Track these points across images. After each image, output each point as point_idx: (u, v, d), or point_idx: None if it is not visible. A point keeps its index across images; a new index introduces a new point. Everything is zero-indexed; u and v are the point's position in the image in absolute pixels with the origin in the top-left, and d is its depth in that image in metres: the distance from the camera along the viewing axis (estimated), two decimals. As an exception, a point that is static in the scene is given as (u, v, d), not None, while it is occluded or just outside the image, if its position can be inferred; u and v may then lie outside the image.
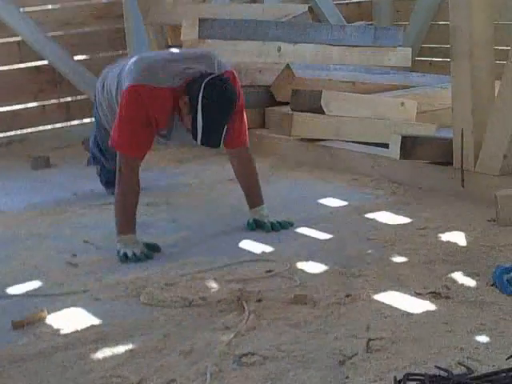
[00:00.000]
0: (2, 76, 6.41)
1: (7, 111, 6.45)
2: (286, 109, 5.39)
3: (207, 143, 3.78)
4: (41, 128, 6.53)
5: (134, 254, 3.73)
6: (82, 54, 6.66)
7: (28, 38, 6.42)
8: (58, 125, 6.61)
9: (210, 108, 3.69)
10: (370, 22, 7.65)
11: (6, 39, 6.42)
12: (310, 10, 7.00)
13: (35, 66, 6.51)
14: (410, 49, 6.45)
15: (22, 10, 6.39)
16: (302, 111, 5.19)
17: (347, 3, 7.74)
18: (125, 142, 3.85)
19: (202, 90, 3.69)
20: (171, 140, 4.13)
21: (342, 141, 5.14)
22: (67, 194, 4.98)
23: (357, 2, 7.82)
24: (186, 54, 4.17)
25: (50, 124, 6.57)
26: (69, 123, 6.65)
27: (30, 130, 6.50)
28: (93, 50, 6.70)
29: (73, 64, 6.56)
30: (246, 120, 4.08)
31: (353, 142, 5.11)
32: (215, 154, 4.73)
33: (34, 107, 6.56)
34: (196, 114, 3.69)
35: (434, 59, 7.31)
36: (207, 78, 3.73)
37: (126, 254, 3.74)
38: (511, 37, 5.44)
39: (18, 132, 6.47)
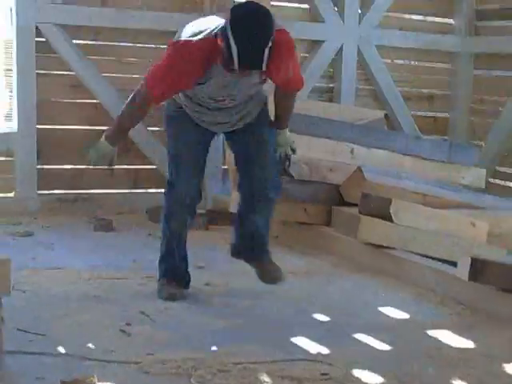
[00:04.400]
0: (76, 135, 6.45)
1: (76, 169, 6.49)
2: (354, 210, 5.33)
3: (245, 63, 3.57)
4: (107, 190, 6.58)
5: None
6: (155, 125, 6.70)
7: (105, 102, 6.49)
8: (125, 190, 6.64)
9: (240, 26, 3.56)
10: (445, 137, 7.64)
11: (84, 100, 6.50)
12: (386, 116, 7.02)
13: (109, 130, 6.57)
14: (485, 170, 6.40)
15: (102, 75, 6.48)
16: (370, 215, 5.14)
17: (424, 116, 7.74)
18: (155, 81, 3.84)
19: (229, 14, 3.61)
20: (207, 92, 3.95)
21: (409, 251, 5.06)
22: (127, 260, 4.98)
23: (433, 116, 7.82)
24: None
25: (116, 188, 6.61)
26: (135, 190, 6.68)
27: (96, 190, 6.53)
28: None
29: (146, 133, 6.61)
30: (298, 64, 4.05)
31: (419, 254, 5.03)
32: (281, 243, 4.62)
33: (102, 169, 6.58)
34: (228, 38, 3.57)
35: (508, 183, 7.25)
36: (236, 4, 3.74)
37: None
38: None
39: (85, 191, 6.50)
